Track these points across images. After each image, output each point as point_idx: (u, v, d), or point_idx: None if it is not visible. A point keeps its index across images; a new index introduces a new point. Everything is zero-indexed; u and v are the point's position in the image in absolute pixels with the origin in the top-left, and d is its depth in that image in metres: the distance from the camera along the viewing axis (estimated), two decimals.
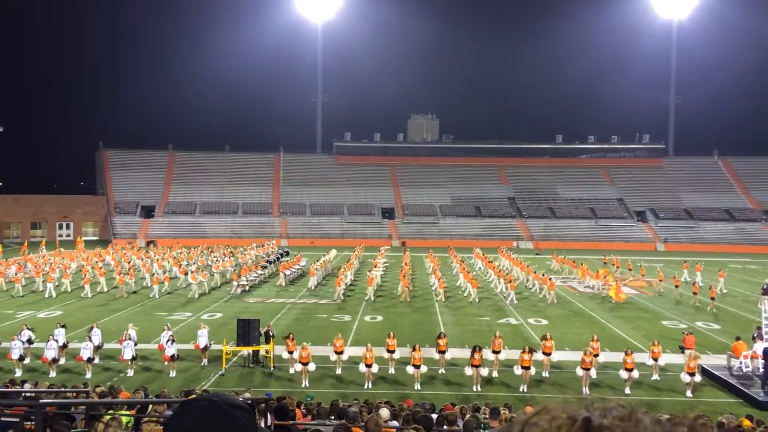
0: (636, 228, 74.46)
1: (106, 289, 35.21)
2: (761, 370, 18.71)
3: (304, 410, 12.15)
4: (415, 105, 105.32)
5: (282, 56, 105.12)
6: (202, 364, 20.97)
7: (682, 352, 20.52)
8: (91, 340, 20.56)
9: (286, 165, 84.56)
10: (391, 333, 21.12)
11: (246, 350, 21.12)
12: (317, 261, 41.41)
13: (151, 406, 10.33)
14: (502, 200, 79.75)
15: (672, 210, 77.13)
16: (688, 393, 18.42)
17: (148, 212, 74.26)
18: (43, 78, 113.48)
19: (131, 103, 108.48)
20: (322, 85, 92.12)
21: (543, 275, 36.45)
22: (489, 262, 44.42)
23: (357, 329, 26.74)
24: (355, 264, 44.38)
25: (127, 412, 9.55)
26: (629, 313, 30.91)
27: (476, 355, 18.77)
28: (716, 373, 19.86)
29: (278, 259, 46.22)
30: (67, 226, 72.93)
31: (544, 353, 20.19)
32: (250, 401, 10.94)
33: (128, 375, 19.74)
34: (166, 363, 20.16)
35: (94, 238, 69.02)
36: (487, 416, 11.89)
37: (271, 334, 21.14)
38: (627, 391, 18.68)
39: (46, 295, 33.53)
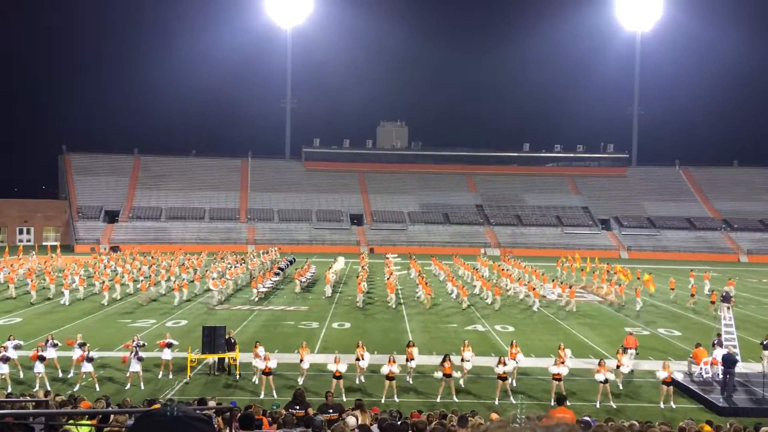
0: (600, 236, 75.75)
1: (119, 297, 34.69)
2: (720, 376, 19.15)
3: (270, 419, 12.02)
4: (385, 112, 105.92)
5: (251, 61, 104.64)
6: (160, 375, 20.29)
7: (624, 353, 20.59)
8: (46, 348, 19.89)
9: (254, 170, 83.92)
10: (360, 342, 21.01)
11: (211, 358, 20.81)
12: (330, 268, 41.48)
13: (112, 416, 10.10)
14: (470, 207, 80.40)
15: (635, 218, 78.70)
16: (657, 401, 18.66)
17: (112, 217, 72.96)
18: (4, 80, 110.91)
19: (96, 107, 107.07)
20: (291, 90, 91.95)
21: (562, 283, 36.83)
22: (502, 270, 44.26)
23: (324, 336, 26.60)
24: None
25: (88, 422, 9.32)
26: (594, 321, 31.38)
27: (446, 364, 18.54)
28: (677, 379, 20.24)
29: (287, 266, 46.28)
30: (28, 231, 71.20)
31: (509, 360, 20.31)
32: (215, 410, 10.80)
33: (92, 384, 19.25)
34: (128, 376, 19.46)
35: (55, 243, 67.40)
36: (455, 424, 11.90)
37: (232, 341, 20.83)
38: (596, 404, 18.59)
39: (61, 302, 32.88)
